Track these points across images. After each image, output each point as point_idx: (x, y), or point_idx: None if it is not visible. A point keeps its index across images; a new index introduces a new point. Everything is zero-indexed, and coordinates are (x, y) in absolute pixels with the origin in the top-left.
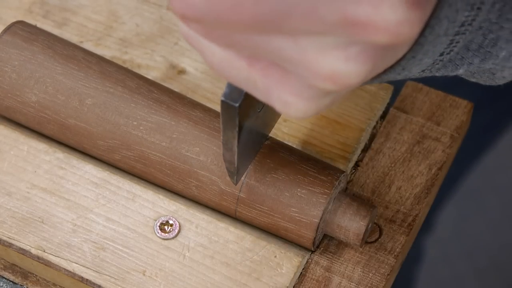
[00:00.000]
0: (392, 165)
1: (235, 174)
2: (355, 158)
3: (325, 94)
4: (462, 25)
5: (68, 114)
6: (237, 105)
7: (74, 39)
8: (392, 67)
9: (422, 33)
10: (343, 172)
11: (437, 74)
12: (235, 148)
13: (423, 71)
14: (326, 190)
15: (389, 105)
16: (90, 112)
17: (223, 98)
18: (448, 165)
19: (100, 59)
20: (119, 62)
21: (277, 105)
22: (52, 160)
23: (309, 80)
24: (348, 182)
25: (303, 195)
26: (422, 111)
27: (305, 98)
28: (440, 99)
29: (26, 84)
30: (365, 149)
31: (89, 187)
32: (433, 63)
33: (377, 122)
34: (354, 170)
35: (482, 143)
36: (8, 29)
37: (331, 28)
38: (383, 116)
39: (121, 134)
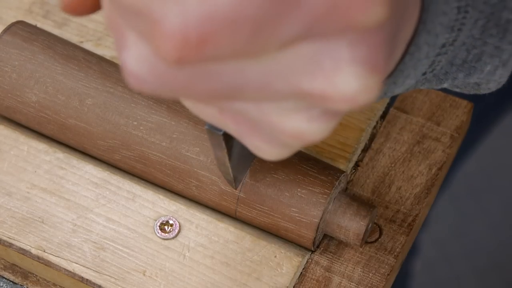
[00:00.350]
0: (392, 165)
1: (232, 181)
2: (355, 158)
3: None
4: (443, 46)
5: (68, 114)
6: (221, 133)
7: (74, 39)
8: None
9: (401, 60)
10: (343, 172)
11: (421, 88)
12: (228, 164)
13: (407, 89)
14: (326, 190)
15: (389, 105)
16: (90, 112)
17: (207, 127)
18: (448, 165)
19: (100, 59)
20: (119, 62)
21: (250, 148)
22: (52, 160)
23: (275, 136)
24: (348, 182)
25: (303, 195)
26: (422, 111)
27: (275, 145)
28: (440, 99)
29: (26, 84)
30: (365, 149)
31: (89, 187)
32: (416, 82)
33: (377, 122)
34: (354, 170)
35: (482, 143)
36: (8, 29)
37: (289, 97)
38: (383, 116)
39: (121, 134)
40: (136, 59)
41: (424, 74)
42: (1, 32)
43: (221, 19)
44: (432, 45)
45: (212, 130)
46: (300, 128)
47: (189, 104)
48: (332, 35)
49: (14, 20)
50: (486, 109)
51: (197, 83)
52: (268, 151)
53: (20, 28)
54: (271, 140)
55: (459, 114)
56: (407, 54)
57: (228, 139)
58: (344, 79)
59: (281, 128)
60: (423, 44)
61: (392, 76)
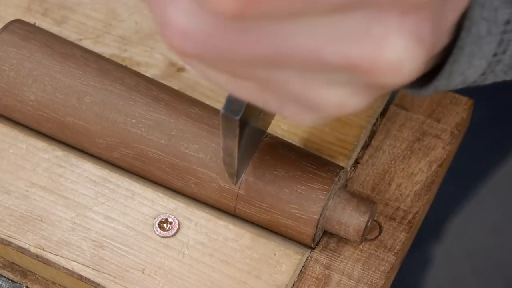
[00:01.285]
0: (392, 162)
1: (235, 175)
2: (355, 155)
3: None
4: (508, 23)
5: (67, 112)
6: (238, 118)
7: (73, 36)
8: (437, 72)
9: (458, 36)
10: (342, 168)
11: (500, 80)
12: (235, 154)
13: (482, 74)
14: (325, 187)
15: (389, 102)
16: (89, 110)
17: (223, 112)
18: (448, 162)
19: (99, 57)
20: (118, 60)
21: (288, 116)
22: (51, 158)
23: (314, 106)
24: (348, 180)
25: (302, 192)
26: (422, 108)
27: (313, 115)
28: (440, 96)
29: (24, 82)
30: (365, 147)
31: (88, 185)
32: (489, 64)
33: (377, 119)
34: (354, 168)
35: (482, 142)
36: (6, 27)
37: (335, 68)
38: (383, 113)
39: (120, 132)
40: (185, 13)
41: (495, 55)
42: None
43: None
44: (492, 20)
45: (229, 115)
46: (342, 100)
47: (224, 79)
48: (384, 5)
49: (13, 18)
50: (487, 106)
51: (246, 44)
52: (305, 120)
53: (18, 27)
54: (307, 110)
55: (459, 111)
56: (463, 29)
57: (242, 126)
58: (391, 46)
59: (324, 101)
60: (480, 19)
61: (452, 54)
